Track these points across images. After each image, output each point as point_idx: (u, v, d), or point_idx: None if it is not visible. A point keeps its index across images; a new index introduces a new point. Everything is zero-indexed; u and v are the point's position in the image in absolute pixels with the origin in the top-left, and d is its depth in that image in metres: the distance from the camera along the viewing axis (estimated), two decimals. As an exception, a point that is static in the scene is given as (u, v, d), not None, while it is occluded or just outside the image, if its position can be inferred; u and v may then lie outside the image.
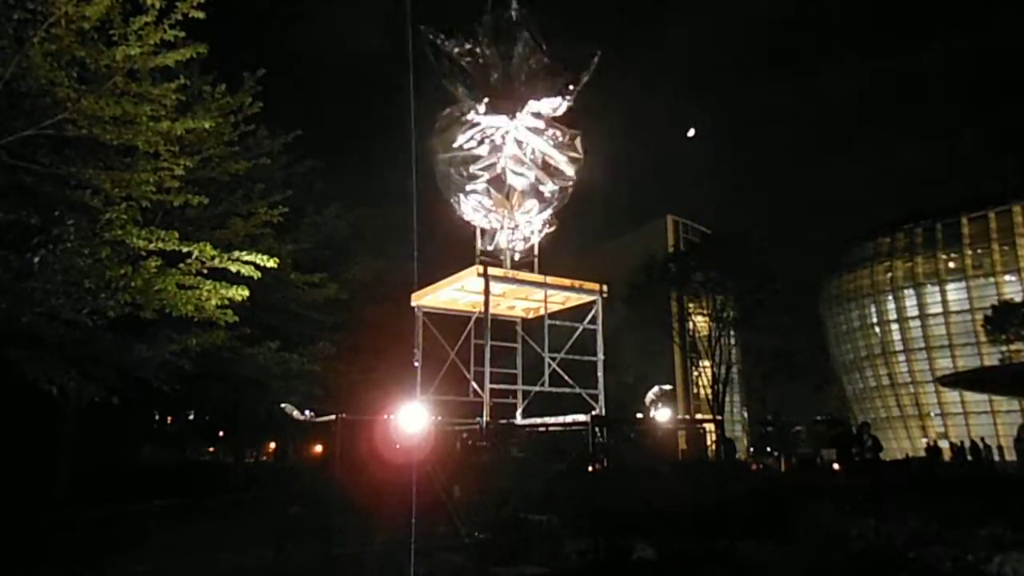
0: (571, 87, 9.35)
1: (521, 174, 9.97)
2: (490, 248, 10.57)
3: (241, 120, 12.98)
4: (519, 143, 9.87)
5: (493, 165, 9.92)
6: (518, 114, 9.38)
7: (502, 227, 10.48)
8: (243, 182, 13.99)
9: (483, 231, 10.58)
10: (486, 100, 9.16)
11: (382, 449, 9.60)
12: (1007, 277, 58.34)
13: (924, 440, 59.15)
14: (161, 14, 9.09)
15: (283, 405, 11.95)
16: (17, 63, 8.61)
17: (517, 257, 10.56)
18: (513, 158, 9.90)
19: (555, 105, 9.52)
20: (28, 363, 10.62)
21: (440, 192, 10.62)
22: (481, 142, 9.75)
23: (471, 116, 9.56)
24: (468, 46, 9.30)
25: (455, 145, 9.72)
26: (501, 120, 9.54)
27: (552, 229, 10.62)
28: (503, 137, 9.78)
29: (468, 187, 9.98)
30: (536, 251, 10.72)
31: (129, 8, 9.14)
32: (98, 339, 11.34)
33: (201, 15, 9.22)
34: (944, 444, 40.56)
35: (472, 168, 9.89)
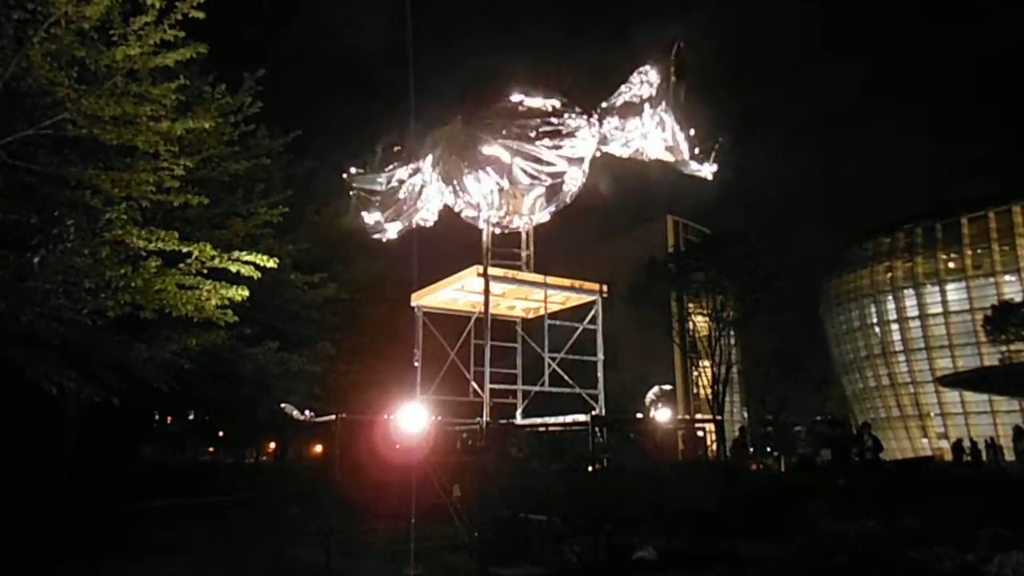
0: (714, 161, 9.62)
1: (563, 182, 10.16)
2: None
3: (241, 120, 12.96)
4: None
5: (560, 172, 9.96)
6: (704, 168, 9.60)
7: (508, 224, 10.50)
8: (243, 182, 13.97)
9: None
10: (697, 149, 9.46)
11: (382, 449, 9.61)
12: (1007, 277, 58.38)
13: (927, 441, 59.23)
14: (161, 14, 9.08)
15: (283, 405, 11.95)
16: (17, 63, 8.60)
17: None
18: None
19: (708, 170, 9.69)
20: (28, 363, 10.61)
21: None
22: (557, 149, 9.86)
23: (571, 121, 9.64)
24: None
25: (536, 140, 9.68)
26: (589, 145, 9.79)
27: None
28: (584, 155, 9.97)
29: (499, 176, 9.90)
30: (529, 249, 10.71)
31: (129, 8, 9.14)
32: (98, 339, 11.33)
33: (201, 15, 9.21)
34: (944, 444, 40.56)
35: (537, 166, 9.86)
